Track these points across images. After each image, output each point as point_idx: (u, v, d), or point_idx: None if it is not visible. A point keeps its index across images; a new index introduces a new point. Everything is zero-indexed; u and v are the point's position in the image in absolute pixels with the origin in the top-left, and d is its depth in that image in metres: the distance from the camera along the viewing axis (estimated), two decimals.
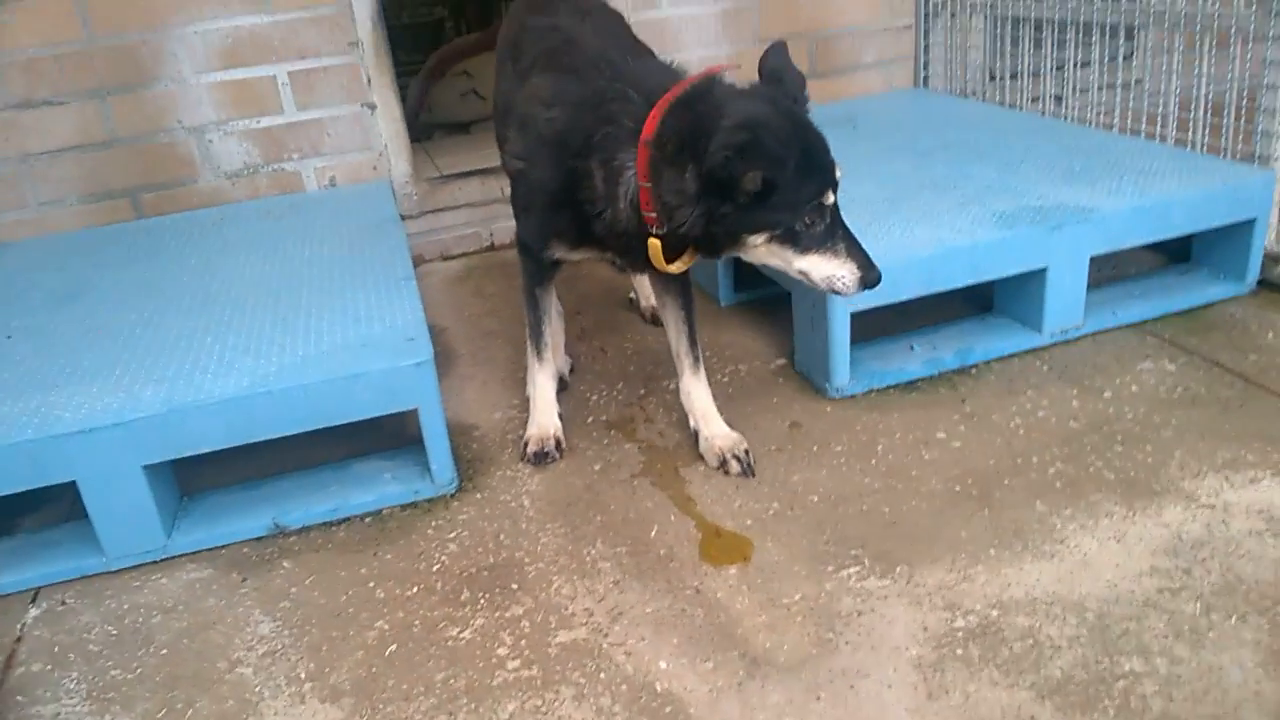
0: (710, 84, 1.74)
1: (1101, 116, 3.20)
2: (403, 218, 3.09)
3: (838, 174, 1.73)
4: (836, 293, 1.77)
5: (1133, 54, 3.58)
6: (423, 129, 4.57)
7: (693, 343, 2.10)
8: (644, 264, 1.86)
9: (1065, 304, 2.36)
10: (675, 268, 1.83)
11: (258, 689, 1.59)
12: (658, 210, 1.72)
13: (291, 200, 3.24)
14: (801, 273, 1.76)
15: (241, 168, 3.30)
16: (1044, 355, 2.36)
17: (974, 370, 2.33)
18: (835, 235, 1.75)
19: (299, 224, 2.94)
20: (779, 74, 1.82)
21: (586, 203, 1.82)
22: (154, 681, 1.63)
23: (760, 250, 1.75)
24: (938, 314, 2.54)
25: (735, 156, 1.59)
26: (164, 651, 1.70)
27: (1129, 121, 3.07)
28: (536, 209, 1.96)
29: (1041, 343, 2.39)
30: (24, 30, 3.01)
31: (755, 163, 1.60)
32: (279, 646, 1.68)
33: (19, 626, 1.80)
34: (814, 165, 1.70)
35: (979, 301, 2.55)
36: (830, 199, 1.72)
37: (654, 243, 1.76)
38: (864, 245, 1.77)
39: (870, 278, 1.75)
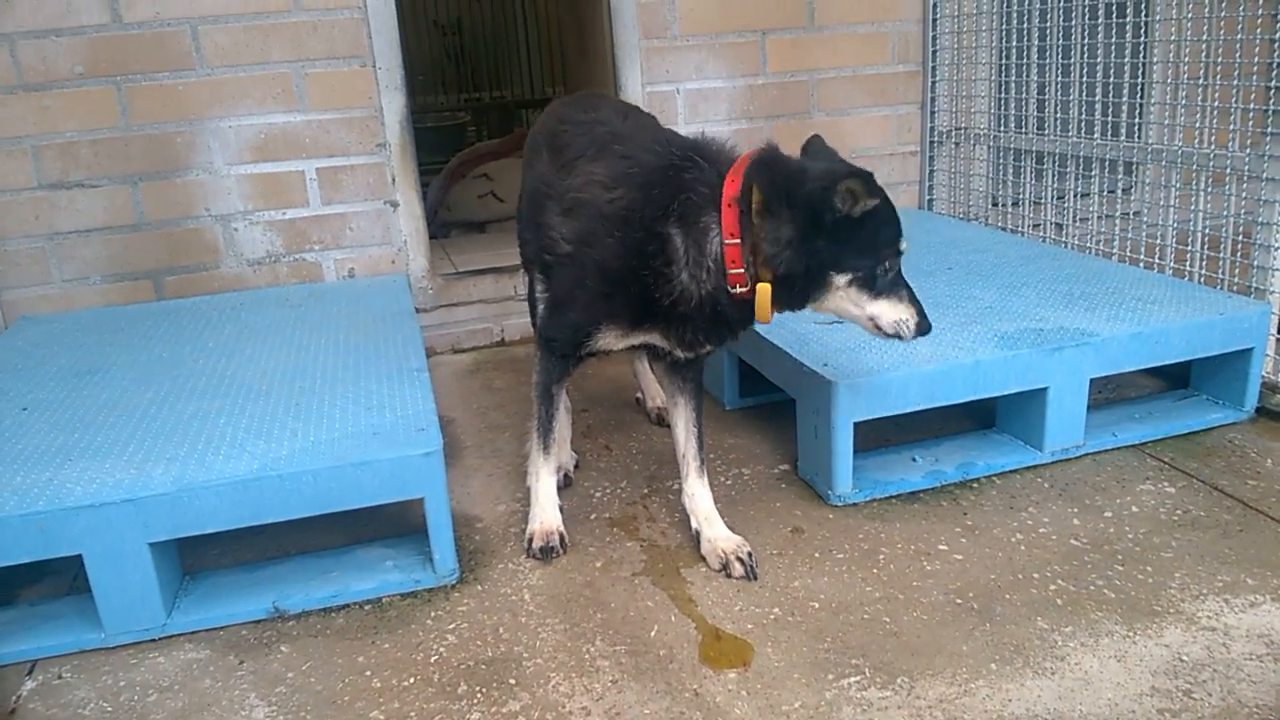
0: (776, 152, 1.89)
1: (1101, 245, 3.30)
2: (417, 310, 3.16)
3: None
4: (899, 337, 1.92)
5: (1132, 187, 3.71)
6: (441, 227, 4.70)
7: (700, 446, 2.13)
8: (705, 335, 1.95)
9: (1066, 423, 2.40)
10: (770, 318, 1.92)
11: None
12: (749, 261, 1.84)
13: (311, 289, 3.32)
14: (872, 318, 1.91)
15: (264, 256, 3.39)
16: (1045, 473, 2.39)
17: (975, 484, 2.36)
18: (900, 284, 1.92)
19: (317, 313, 3.01)
20: (825, 153, 2.02)
21: (658, 273, 1.87)
22: None
23: (839, 295, 1.89)
24: (939, 428, 2.58)
25: (832, 191, 1.76)
26: None
27: (1128, 251, 3.17)
28: (586, 294, 1.97)
29: (1042, 460, 2.42)
30: (64, 114, 3.14)
31: (862, 193, 1.77)
32: None
33: (14, 698, 1.78)
34: (894, 212, 1.87)
35: (981, 417, 2.59)
36: (904, 245, 1.88)
37: (764, 288, 1.85)
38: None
39: (927, 325, 1.93)
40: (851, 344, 2.40)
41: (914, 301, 1.93)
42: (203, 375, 2.49)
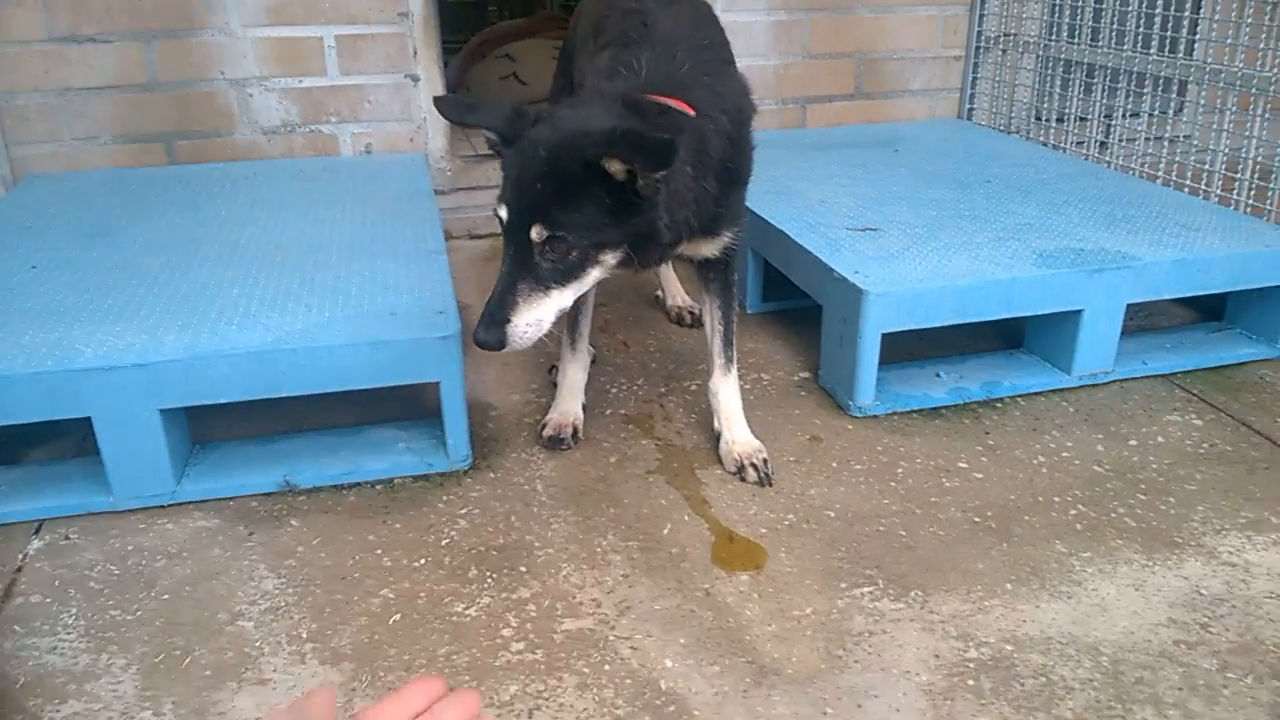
0: (632, 103, 1.70)
1: (1146, 168, 3.19)
2: (435, 192, 3.07)
3: (548, 226, 1.60)
4: None
5: (1184, 109, 3.57)
6: None
7: (727, 343, 2.08)
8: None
9: (1097, 348, 2.35)
10: None
11: (258, 644, 1.57)
12: None
13: (326, 163, 3.22)
14: None
15: (279, 125, 3.28)
16: (1070, 397, 2.34)
17: (999, 404, 2.31)
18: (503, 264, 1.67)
19: (333, 187, 2.92)
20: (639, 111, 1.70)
21: None
22: (153, 626, 1.61)
23: None
24: (964, 344, 2.53)
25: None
26: (165, 597, 1.67)
27: (1173, 175, 3.06)
28: None
29: (1069, 384, 2.37)
30: None
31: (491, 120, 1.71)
32: (282, 604, 1.66)
33: (20, 556, 1.77)
34: (509, 173, 1.67)
35: (1007, 336, 2.54)
36: (500, 212, 1.67)
37: None
38: (512, 298, 1.63)
39: (475, 335, 1.64)
40: (884, 253, 2.33)
41: (492, 294, 1.65)
42: (215, 244, 2.43)
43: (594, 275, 1.70)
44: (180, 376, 1.84)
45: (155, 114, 3.19)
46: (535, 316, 1.64)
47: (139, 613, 1.63)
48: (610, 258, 1.68)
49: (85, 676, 1.50)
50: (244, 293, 2.12)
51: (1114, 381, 2.41)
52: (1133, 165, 3.21)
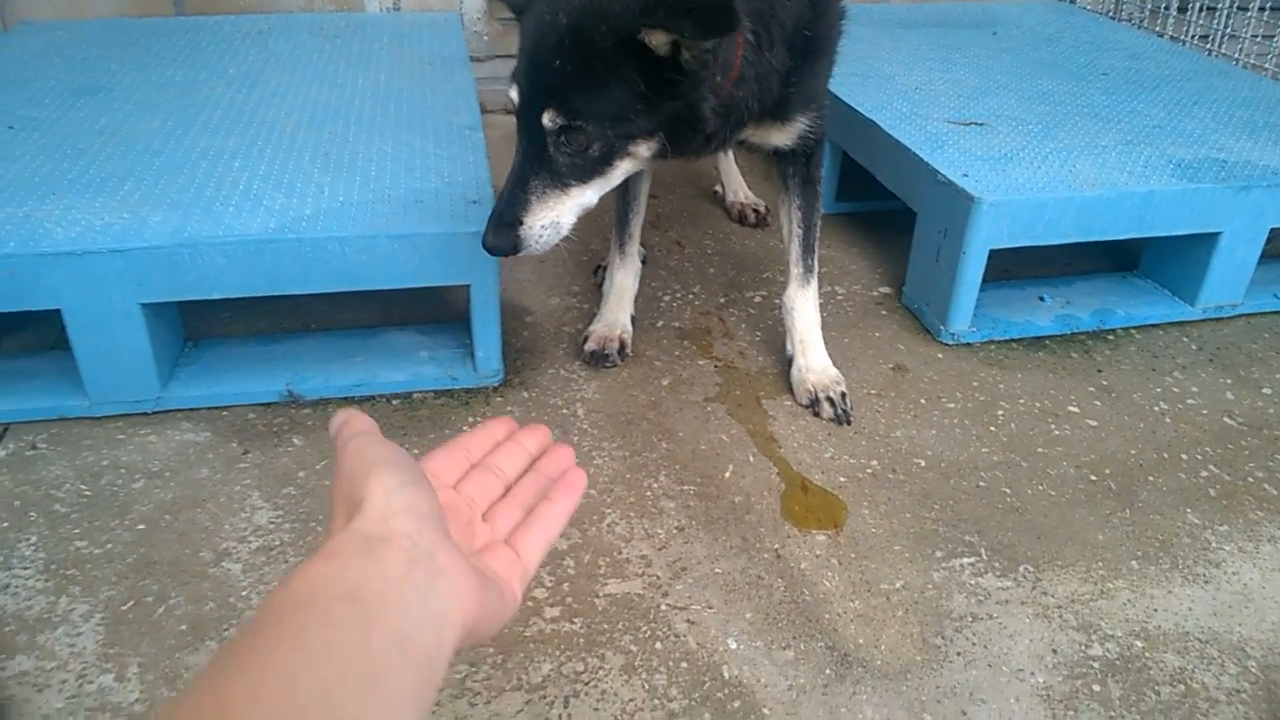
0: None
1: None
2: (469, 58, 2.72)
3: (563, 114, 1.31)
4: None
5: None
6: None
7: (807, 250, 1.76)
8: None
9: (1230, 278, 2.02)
10: None
11: (244, 592, 1.33)
12: None
13: (349, 19, 2.86)
14: None
15: None
16: (1192, 332, 2.03)
17: (1111, 336, 2.00)
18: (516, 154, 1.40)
19: (355, 47, 2.57)
20: None
21: None
22: (125, 563, 1.37)
23: None
24: (1067, 264, 2.21)
25: None
26: (141, 527, 1.43)
27: None
28: None
29: (1191, 316, 2.05)
30: None
31: None
32: (276, 542, 1.41)
33: None
34: (522, 45, 1.37)
35: (1115, 256, 2.21)
36: (511, 93, 1.37)
37: None
38: (524, 195, 1.37)
39: (483, 238, 1.41)
40: (994, 152, 1.98)
41: (502, 192, 1.40)
42: (218, 107, 2.11)
43: (624, 168, 1.41)
44: (164, 267, 1.55)
45: None
46: (551, 217, 1.39)
47: (109, 545, 1.40)
48: (644, 149, 1.38)
49: (39, 625, 1.27)
50: (246, 166, 1.82)
51: (1240, 316, 2.09)
52: (1266, 65, 2.80)
